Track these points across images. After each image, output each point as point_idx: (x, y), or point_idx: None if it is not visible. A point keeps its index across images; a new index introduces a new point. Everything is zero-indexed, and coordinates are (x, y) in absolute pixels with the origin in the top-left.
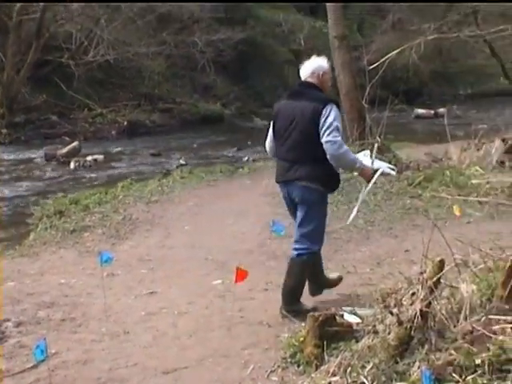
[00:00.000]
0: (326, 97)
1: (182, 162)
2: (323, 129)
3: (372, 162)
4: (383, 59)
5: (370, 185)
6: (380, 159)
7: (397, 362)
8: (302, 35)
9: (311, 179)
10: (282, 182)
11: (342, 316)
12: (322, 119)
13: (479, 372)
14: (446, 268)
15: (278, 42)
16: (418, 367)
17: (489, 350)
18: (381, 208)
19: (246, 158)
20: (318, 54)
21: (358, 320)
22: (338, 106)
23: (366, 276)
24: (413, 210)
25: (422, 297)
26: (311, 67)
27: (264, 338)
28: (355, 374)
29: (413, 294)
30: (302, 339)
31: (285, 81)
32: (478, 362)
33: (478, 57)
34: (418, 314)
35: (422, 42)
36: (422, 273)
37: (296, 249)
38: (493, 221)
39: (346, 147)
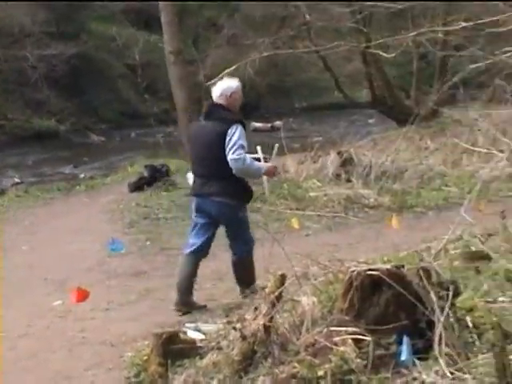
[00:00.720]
0: (233, 117)
1: (16, 179)
2: (228, 147)
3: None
4: (221, 75)
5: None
6: None
7: (241, 377)
8: (137, 49)
9: (224, 194)
10: (196, 196)
11: (185, 333)
12: (227, 138)
13: (322, 383)
14: (287, 282)
15: (113, 56)
16: (263, 381)
17: (331, 361)
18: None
19: (83, 175)
20: (154, 69)
21: (202, 336)
22: (244, 125)
23: (208, 291)
24: (253, 224)
25: (264, 311)
26: (220, 89)
27: (107, 357)
28: None
29: (255, 308)
30: (145, 358)
31: (120, 95)
32: (320, 373)
33: (312, 70)
34: (261, 328)
35: (257, 58)
36: (263, 287)
37: (234, 253)
38: (331, 233)
39: (249, 160)
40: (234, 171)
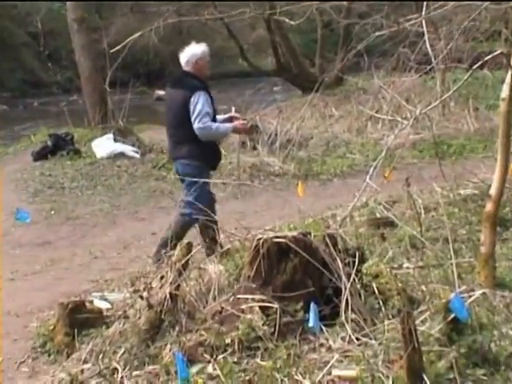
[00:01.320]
0: (196, 84)
1: None
2: (193, 116)
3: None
4: (124, 42)
5: None
6: (123, 142)
7: (148, 346)
8: (39, 17)
9: (189, 157)
10: (171, 158)
11: (92, 302)
12: (191, 106)
13: (229, 351)
14: (194, 250)
15: (15, 24)
16: (170, 350)
17: (238, 328)
18: (126, 191)
19: None
20: (56, 36)
21: (109, 305)
22: (208, 91)
23: (113, 260)
24: (158, 193)
25: (170, 279)
26: (185, 57)
27: (12, 328)
28: (107, 360)
29: (162, 277)
30: (51, 328)
31: (22, 64)
32: (228, 341)
33: (217, 38)
34: (168, 296)
35: (161, 24)
36: (169, 255)
37: (181, 213)
38: (237, 201)
39: (215, 126)
40: (199, 138)
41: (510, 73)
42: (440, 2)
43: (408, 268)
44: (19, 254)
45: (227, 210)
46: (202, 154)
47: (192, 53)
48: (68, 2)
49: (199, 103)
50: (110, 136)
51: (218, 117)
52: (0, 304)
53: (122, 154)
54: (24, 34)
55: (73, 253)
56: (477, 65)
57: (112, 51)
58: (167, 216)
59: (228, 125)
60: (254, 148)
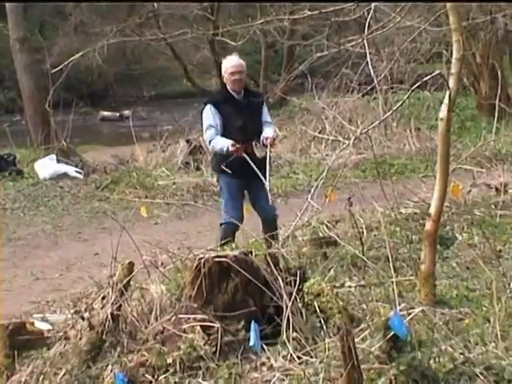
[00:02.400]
0: (207, 98)
1: None
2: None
3: None
4: (66, 62)
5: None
6: (66, 163)
7: (89, 367)
8: None
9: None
10: None
11: (33, 324)
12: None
13: (171, 371)
14: (136, 270)
15: None
16: (111, 370)
17: (179, 348)
18: (69, 212)
19: None
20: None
21: (49, 327)
22: (215, 103)
23: (55, 282)
24: (101, 214)
25: (112, 300)
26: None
27: None
28: (48, 382)
29: (103, 297)
30: None
31: None
32: (169, 361)
33: (161, 59)
34: (109, 317)
35: (105, 44)
36: (111, 276)
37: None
38: (180, 221)
39: (214, 141)
40: None
41: (447, 93)
42: (381, 23)
43: (350, 287)
44: None
45: (170, 230)
46: (216, 165)
47: (223, 65)
48: (10, 22)
49: (203, 117)
50: (53, 157)
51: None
52: None
53: (65, 175)
54: None
55: (14, 274)
56: (416, 85)
57: (54, 71)
58: (110, 237)
59: (225, 143)
60: (198, 168)
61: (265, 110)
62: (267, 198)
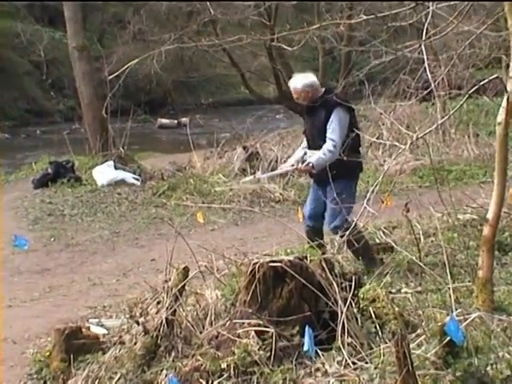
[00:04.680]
0: None
1: None
2: None
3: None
4: (123, 69)
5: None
6: (124, 170)
7: (144, 372)
8: (42, 46)
9: None
10: None
11: (88, 328)
12: None
13: (225, 376)
14: (191, 275)
15: (17, 53)
16: (166, 375)
17: (234, 353)
18: (126, 218)
19: None
20: (59, 65)
21: (105, 331)
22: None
23: (112, 287)
24: (158, 220)
25: (167, 305)
26: None
27: (9, 355)
28: None
29: (158, 302)
30: (48, 354)
31: (25, 92)
32: (223, 366)
33: (218, 66)
34: (164, 322)
35: (163, 51)
36: (166, 281)
37: None
38: (237, 227)
39: None
40: None
41: (505, 97)
42: (438, 28)
43: (406, 293)
44: (18, 282)
45: (227, 236)
46: None
47: None
48: (69, 31)
49: None
50: (111, 163)
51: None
52: None
53: (122, 182)
54: (27, 63)
55: (71, 280)
56: (473, 89)
57: (110, 78)
58: (166, 243)
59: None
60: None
61: (330, 125)
62: (330, 208)
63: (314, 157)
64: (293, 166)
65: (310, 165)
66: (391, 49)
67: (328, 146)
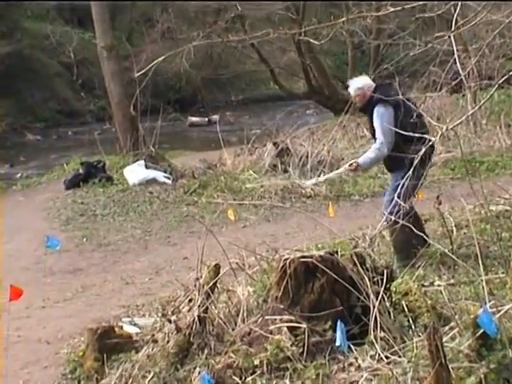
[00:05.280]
0: None
1: None
2: None
3: None
4: (150, 66)
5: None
6: (155, 169)
7: (177, 369)
8: (72, 47)
9: None
10: None
11: (121, 327)
12: None
13: (258, 372)
14: (222, 272)
15: (48, 54)
16: (199, 373)
17: (266, 350)
18: (158, 217)
19: (20, 175)
20: (89, 66)
21: (138, 330)
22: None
23: (145, 286)
24: (189, 218)
25: (199, 302)
26: None
27: (43, 355)
28: None
29: (190, 300)
30: (81, 354)
31: (56, 93)
32: (256, 362)
33: (248, 63)
34: (196, 319)
35: (191, 48)
36: (197, 278)
37: None
38: (268, 223)
39: None
40: None
41: None
42: (467, 18)
43: (439, 285)
44: (51, 282)
45: (258, 232)
46: None
47: None
48: (97, 30)
49: None
50: (142, 163)
51: None
52: (30, 331)
53: (153, 180)
54: (57, 64)
55: (104, 279)
56: (502, 79)
57: (137, 75)
58: (198, 240)
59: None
60: (285, 171)
61: (375, 124)
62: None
63: (362, 156)
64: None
65: (355, 165)
66: (420, 41)
67: (375, 144)
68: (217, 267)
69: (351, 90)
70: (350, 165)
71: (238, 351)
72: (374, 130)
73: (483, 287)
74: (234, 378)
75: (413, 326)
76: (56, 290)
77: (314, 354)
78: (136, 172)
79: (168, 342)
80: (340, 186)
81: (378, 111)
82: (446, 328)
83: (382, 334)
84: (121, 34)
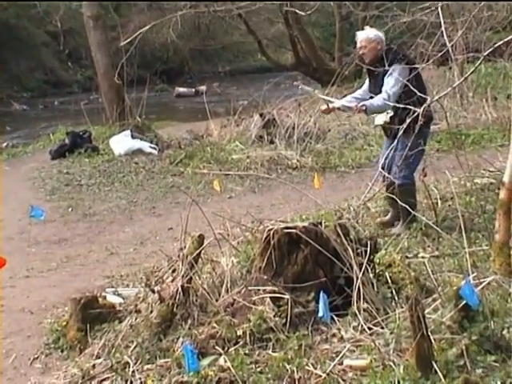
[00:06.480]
0: None
1: None
2: None
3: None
4: (135, 35)
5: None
6: (141, 139)
7: (160, 340)
8: (58, 16)
9: None
10: None
11: (105, 298)
12: None
13: (241, 343)
14: (206, 243)
15: (34, 23)
16: (182, 343)
17: (249, 320)
18: (143, 187)
19: (5, 144)
20: (75, 35)
21: (121, 300)
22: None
23: (129, 256)
24: (175, 188)
25: (182, 273)
26: None
27: (26, 325)
28: (119, 355)
29: (174, 270)
30: (64, 324)
31: (42, 63)
32: (239, 333)
33: (235, 34)
34: (180, 290)
35: (178, 18)
36: (181, 249)
37: None
38: (254, 194)
39: None
40: None
41: None
42: None
43: (423, 257)
44: (35, 252)
45: (244, 203)
46: None
47: None
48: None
49: None
50: (128, 133)
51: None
52: (14, 301)
53: (139, 151)
54: (43, 34)
55: (89, 249)
56: (488, 50)
57: (123, 43)
58: (183, 211)
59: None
60: (272, 142)
61: (386, 79)
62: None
63: (369, 101)
64: (351, 102)
65: (364, 108)
66: (407, 12)
67: (382, 94)
68: (201, 238)
69: (370, 34)
70: (363, 105)
71: (221, 322)
72: (379, 89)
73: (467, 259)
74: (217, 348)
75: (396, 298)
76: (40, 260)
77: (297, 325)
78: (122, 142)
79: (151, 312)
80: (326, 157)
81: (397, 69)
82: (429, 300)
83: (365, 306)
84: (108, 3)
